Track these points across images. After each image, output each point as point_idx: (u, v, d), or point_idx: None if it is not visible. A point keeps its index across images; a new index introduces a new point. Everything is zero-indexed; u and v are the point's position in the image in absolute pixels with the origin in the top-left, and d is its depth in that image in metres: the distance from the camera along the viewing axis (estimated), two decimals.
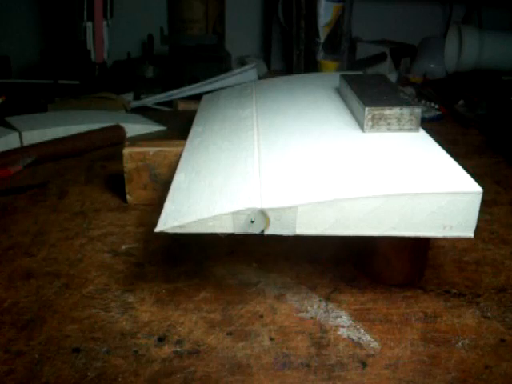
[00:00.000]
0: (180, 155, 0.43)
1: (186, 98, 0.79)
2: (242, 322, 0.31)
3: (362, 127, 0.40)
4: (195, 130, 0.47)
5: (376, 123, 0.39)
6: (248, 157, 0.37)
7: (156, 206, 0.42)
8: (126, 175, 0.45)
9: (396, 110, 0.38)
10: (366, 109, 0.38)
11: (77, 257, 0.38)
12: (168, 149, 0.44)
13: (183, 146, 0.44)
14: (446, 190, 0.30)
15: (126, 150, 0.44)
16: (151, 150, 0.44)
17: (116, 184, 0.47)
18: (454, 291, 0.35)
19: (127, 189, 0.45)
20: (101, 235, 0.41)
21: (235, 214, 0.29)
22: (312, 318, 0.32)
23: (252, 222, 0.29)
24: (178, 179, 0.37)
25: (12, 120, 0.60)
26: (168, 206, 0.33)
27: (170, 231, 0.29)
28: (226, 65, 0.87)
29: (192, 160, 0.40)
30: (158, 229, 0.30)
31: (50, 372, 0.27)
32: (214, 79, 0.80)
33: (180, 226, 0.29)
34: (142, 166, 0.44)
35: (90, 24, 0.79)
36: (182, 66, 0.84)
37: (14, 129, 0.58)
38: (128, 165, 0.44)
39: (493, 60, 0.92)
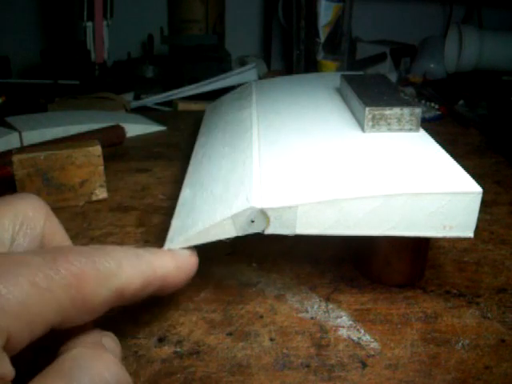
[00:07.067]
0: (72, 156, 0.43)
1: (186, 97, 0.79)
2: (242, 323, 0.31)
3: (362, 127, 0.40)
4: (199, 142, 0.46)
5: (376, 123, 0.39)
6: (248, 157, 0.37)
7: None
8: (17, 183, 0.43)
9: (396, 110, 0.38)
10: (367, 109, 0.38)
11: None
12: (59, 151, 0.43)
13: (73, 147, 0.44)
14: (446, 190, 0.30)
15: (16, 157, 0.43)
16: (42, 154, 0.43)
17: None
18: (454, 291, 0.35)
19: None
20: (101, 235, 0.41)
21: (234, 217, 0.29)
22: (312, 318, 0.32)
23: (252, 221, 0.29)
24: (184, 195, 0.36)
25: (12, 120, 0.60)
26: (174, 222, 0.33)
27: (178, 246, 0.29)
28: (226, 65, 0.88)
29: (196, 173, 0.39)
30: (166, 247, 0.29)
31: None
32: (213, 79, 0.81)
33: (185, 240, 0.29)
34: (34, 172, 0.43)
35: (90, 24, 0.79)
36: (182, 66, 0.84)
37: (14, 129, 0.58)
38: (19, 172, 0.43)
39: (493, 60, 0.92)
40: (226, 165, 0.38)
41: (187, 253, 0.29)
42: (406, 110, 0.38)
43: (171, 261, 0.27)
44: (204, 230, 0.30)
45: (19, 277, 0.19)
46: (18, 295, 0.18)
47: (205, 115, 0.57)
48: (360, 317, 0.32)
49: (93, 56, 0.80)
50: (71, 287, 0.20)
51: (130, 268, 0.23)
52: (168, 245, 0.30)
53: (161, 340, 0.30)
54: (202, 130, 0.51)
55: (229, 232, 0.30)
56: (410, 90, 0.82)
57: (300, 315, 0.32)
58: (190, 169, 0.41)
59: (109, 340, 0.22)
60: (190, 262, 0.28)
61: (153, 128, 0.67)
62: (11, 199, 0.24)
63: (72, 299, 0.20)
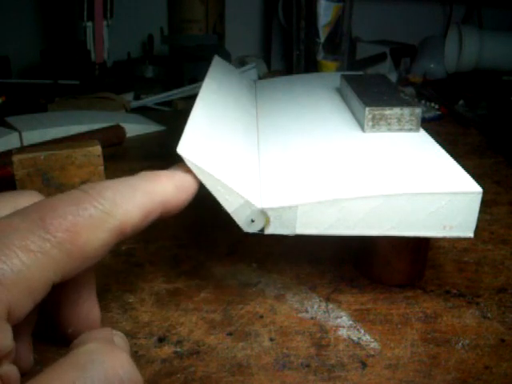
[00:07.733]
0: (72, 156, 0.43)
1: (186, 97, 0.79)
2: (242, 323, 0.31)
3: (362, 127, 0.40)
4: (211, 83, 0.44)
5: (376, 123, 0.39)
6: (248, 157, 0.37)
7: None
8: (17, 183, 0.43)
9: (396, 110, 0.38)
10: (367, 109, 0.38)
11: None
12: (59, 151, 0.43)
13: (73, 147, 0.44)
14: (446, 190, 0.30)
15: (16, 157, 0.42)
16: (42, 154, 0.43)
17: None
18: (454, 291, 0.35)
19: None
20: None
21: (246, 203, 0.29)
22: (312, 318, 0.32)
23: (252, 221, 0.29)
24: (196, 115, 0.34)
25: (12, 120, 0.60)
26: (188, 137, 0.30)
27: (187, 162, 0.27)
28: None
29: (208, 110, 0.38)
30: (180, 151, 0.27)
31: None
32: None
33: (197, 167, 0.27)
34: (34, 172, 0.43)
35: (90, 24, 0.79)
36: (182, 65, 0.84)
37: (14, 129, 0.58)
38: (19, 172, 0.42)
39: (493, 60, 0.92)
40: (239, 135, 0.37)
41: (185, 169, 0.26)
42: (406, 110, 0.38)
43: (169, 182, 0.25)
44: (218, 180, 0.28)
45: (10, 245, 0.18)
46: (12, 265, 0.18)
47: (213, 64, 0.52)
48: (360, 317, 0.32)
49: (93, 56, 0.80)
50: (65, 242, 0.19)
51: (126, 203, 0.22)
52: (183, 153, 0.27)
53: (161, 340, 0.30)
54: (213, 76, 0.47)
55: (229, 205, 0.29)
56: (410, 90, 0.82)
57: (300, 315, 0.32)
58: (202, 99, 0.39)
59: (119, 339, 0.22)
60: (189, 179, 0.26)
61: (153, 128, 0.67)
62: (11, 194, 0.24)
63: (68, 254, 0.20)
